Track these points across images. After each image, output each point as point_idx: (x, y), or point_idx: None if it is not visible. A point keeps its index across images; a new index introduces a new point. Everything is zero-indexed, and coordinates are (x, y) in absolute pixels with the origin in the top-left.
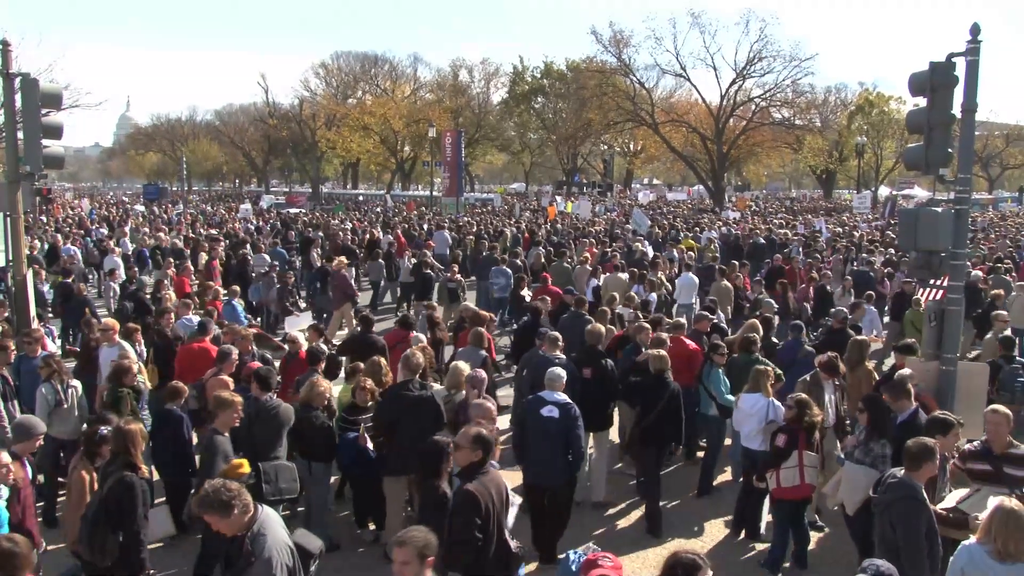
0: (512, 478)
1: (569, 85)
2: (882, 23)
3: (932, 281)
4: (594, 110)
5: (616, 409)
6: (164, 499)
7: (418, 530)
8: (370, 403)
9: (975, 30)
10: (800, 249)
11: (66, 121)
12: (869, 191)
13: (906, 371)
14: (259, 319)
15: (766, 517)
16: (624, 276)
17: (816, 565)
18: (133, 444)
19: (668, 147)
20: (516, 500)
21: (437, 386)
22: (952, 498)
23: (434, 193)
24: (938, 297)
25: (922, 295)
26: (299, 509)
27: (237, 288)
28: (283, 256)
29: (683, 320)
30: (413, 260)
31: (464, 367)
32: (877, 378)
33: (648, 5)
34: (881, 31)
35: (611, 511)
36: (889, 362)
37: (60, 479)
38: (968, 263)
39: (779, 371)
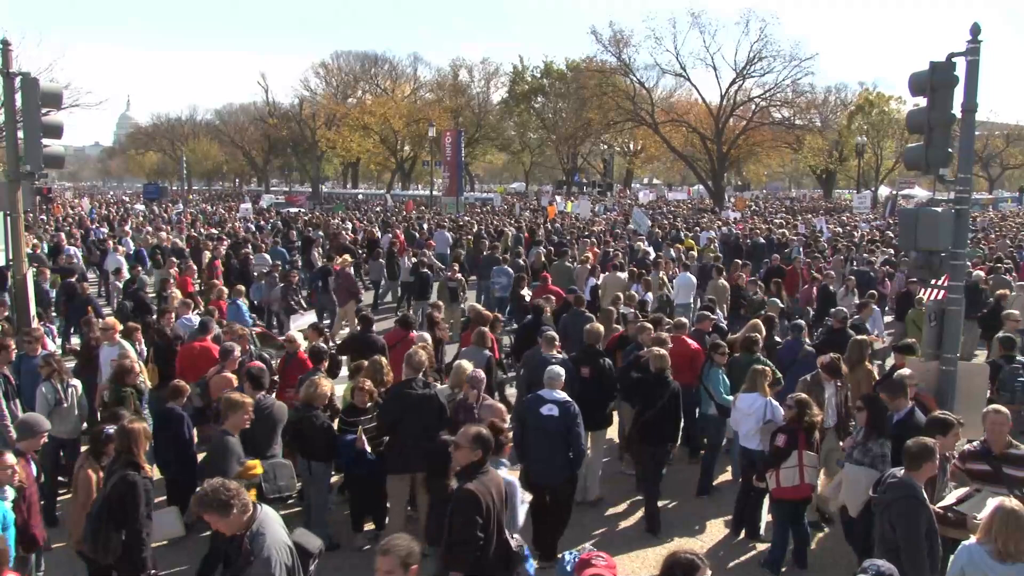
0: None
1: (569, 85)
2: (882, 23)
3: (933, 281)
4: (594, 110)
5: (616, 409)
6: (164, 498)
7: (401, 538)
8: (369, 404)
9: (975, 30)
10: (801, 249)
11: (66, 120)
12: (869, 191)
13: (906, 371)
14: (261, 319)
15: (765, 517)
16: (623, 276)
17: (816, 565)
18: (136, 443)
19: (668, 147)
20: (527, 498)
21: (441, 385)
22: (951, 498)
23: (434, 193)
24: (939, 297)
25: (925, 295)
26: (295, 509)
27: (242, 288)
28: (284, 255)
29: (684, 320)
30: (413, 259)
31: (467, 366)
32: (877, 378)
33: (648, 5)
34: (881, 31)
35: (611, 511)
36: (890, 362)
37: (60, 478)
38: (968, 264)
39: (779, 374)
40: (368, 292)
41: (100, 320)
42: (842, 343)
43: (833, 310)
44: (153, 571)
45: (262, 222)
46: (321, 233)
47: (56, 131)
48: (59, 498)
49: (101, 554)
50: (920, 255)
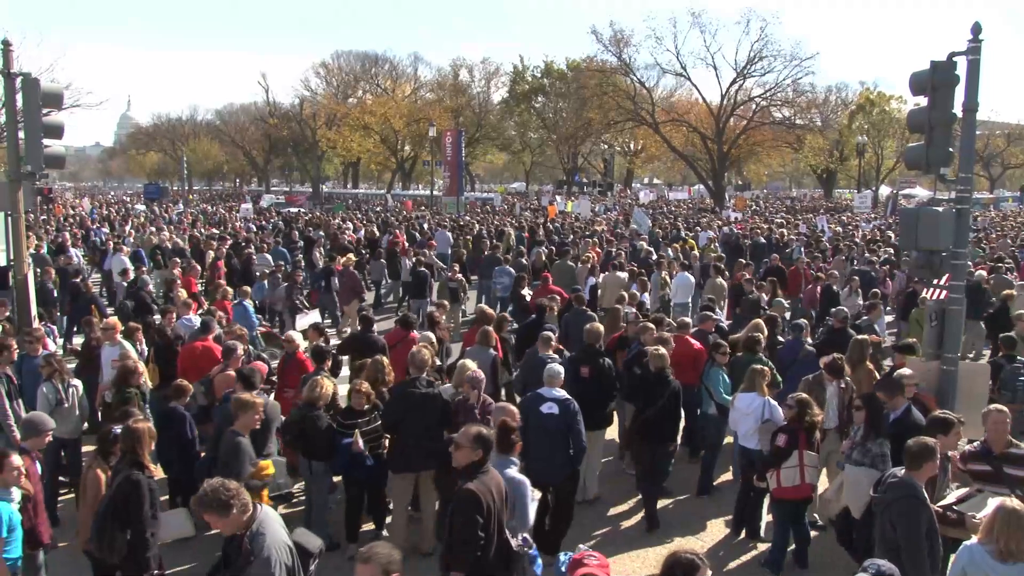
0: None
1: (569, 84)
2: (883, 22)
3: (936, 281)
4: (594, 109)
5: (615, 409)
6: (167, 497)
7: (382, 546)
8: (367, 407)
9: (976, 29)
10: (802, 249)
11: (67, 121)
12: (870, 191)
13: (906, 370)
14: (264, 319)
15: (766, 517)
16: (623, 275)
17: (817, 564)
18: (140, 443)
19: (668, 147)
20: (536, 495)
21: (446, 384)
22: (952, 497)
23: (435, 192)
24: (942, 297)
25: (929, 294)
26: (296, 509)
27: (248, 289)
28: (285, 255)
29: (688, 319)
30: (414, 259)
31: (471, 365)
32: (878, 377)
33: (648, 4)
34: (882, 30)
35: (612, 510)
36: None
37: (61, 478)
38: (970, 264)
39: (778, 376)
40: (369, 292)
41: (102, 320)
42: (843, 343)
43: (834, 310)
44: (157, 572)
45: (263, 222)
46: (322, 233)
47: (57, 131)
48: (60, 498)
49: (107, 554)
50: (921, 255)
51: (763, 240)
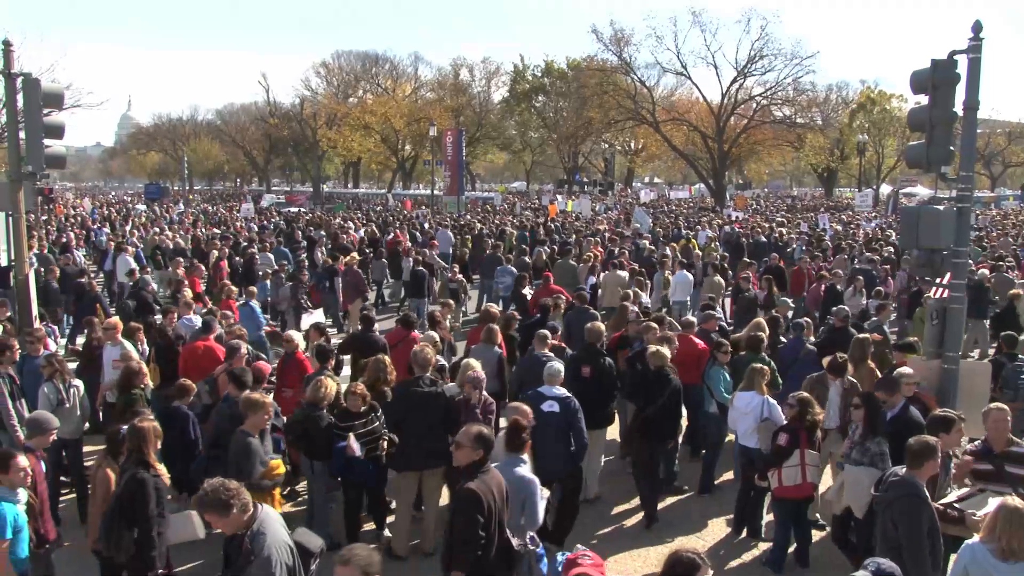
0: None
1: (570, 84)
2: (884, 21)
3: (940, 279)
4: (595, 109)
5: (616, 408)
6: (169, 496)
7: (361, 547)
8: (363, 408)
9: (977, 27)
10: (804, 248)
11: (68, 121)
12: (871, 189)
13: (906, 369)
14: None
15: (766, 516)
16: (623, 274)
17: (818, 564)
18: (146, 442)
19: (669, 146)
20: (544, 493)
21: (449, 384)
22: (954, 495)
23: (435, 192)
24: (944, 295)
25: (934, 293)
26: (297, 509)
27: (254, 289)
28: (287, 255)
29: (693, 319)
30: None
31: (474, 364)
32: (880, 376)
33: (649, 4)
34: (883, 29)
35: (613, 510)
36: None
37: (63, 478)
38: (972, 264)
39: (779, 379)
40: (371, 291)
41: (105, 319)
42: (844, 342)
43: (834, 309)
44: (163, 571)
45: (264, 221)
46: (323, 233)
47: (58, 131)
48: (61, 498)
49: (115, 552)
50: (922, 253)
51: (764, 239)
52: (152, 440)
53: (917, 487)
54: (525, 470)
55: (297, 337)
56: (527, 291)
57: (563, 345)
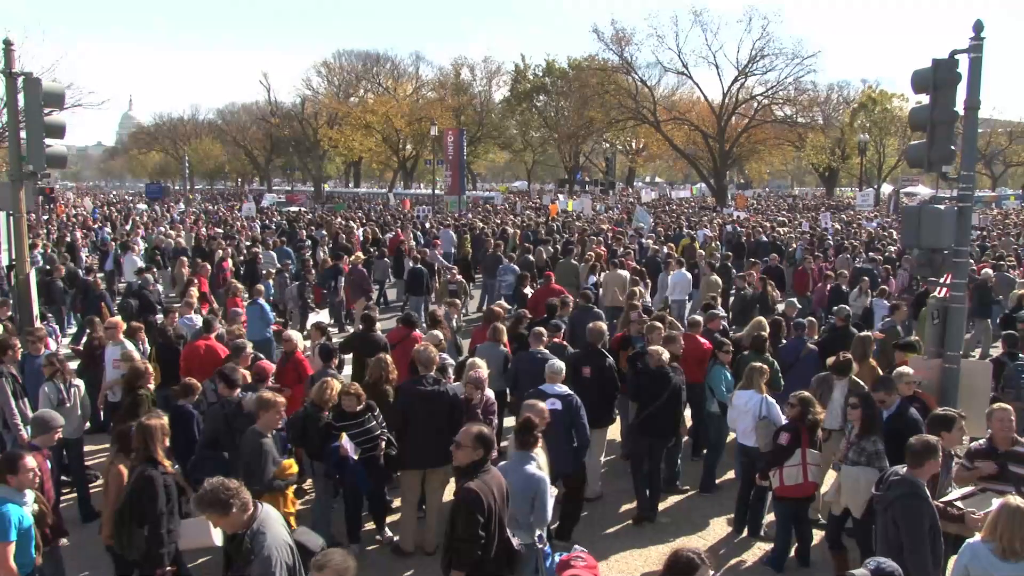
0: None
1: (571, 83)
2: (885, 20)
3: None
4: (596, 108)
5: (617, 407)
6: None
7: (337, 552)
8: (359, 408)
9: (978, 27)
10: (804, 248)
11: (69, 120)
12: (872, 189)
13: (906, 369)
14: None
15: (767, 515)
16: (624, 273)
17: (819, 563)
18: (153, 439)
19: (670, 145)
20: (553, 492)
21: (454, 382)
22: (955, 494)
23: (436, 191)
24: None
25: (938, 292)
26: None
27: (261, 288)
28: (289, 254)
29: (699, 318)
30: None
31: (479, 363)
32: (881, 374)
33: (650, 3)
34: (884, 28)
35: (614, 509)
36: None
37: (64, 478)
38: (973, 265)
39: (781, 380)
40: (373, 291)
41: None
42: (845, 340)
43: (836, 308)
44: (170, 568)
45: (265, 221)
46: (324, 232)
47: (58, 131)
48: (62, 498)
49: (126, 549)
50: (923, 253)
51: (765, 239)
52: (160, 437)
53: (918, 486)
54: (535, 467)
55: (296, 337)
56: (528, 290)
57: (564, 343)
